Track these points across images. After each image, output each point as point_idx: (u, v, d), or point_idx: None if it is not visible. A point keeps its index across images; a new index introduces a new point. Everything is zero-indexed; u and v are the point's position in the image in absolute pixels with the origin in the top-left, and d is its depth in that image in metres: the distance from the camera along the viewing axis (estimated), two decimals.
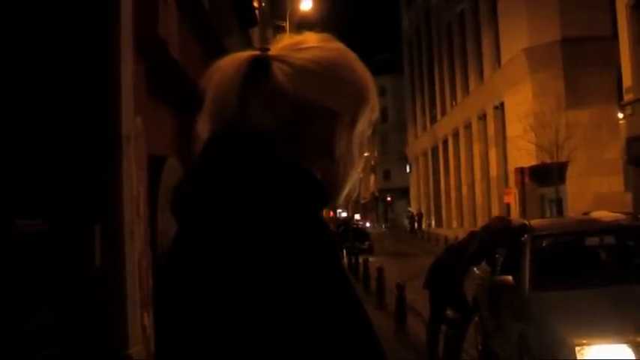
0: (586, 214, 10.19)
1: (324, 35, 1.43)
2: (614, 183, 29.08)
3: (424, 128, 61.73)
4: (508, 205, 33.08)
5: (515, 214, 29.78)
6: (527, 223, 9.13)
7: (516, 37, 33.73)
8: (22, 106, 3.68)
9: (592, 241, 9.14)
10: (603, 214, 9.50)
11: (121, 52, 4.06)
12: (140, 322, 4.17)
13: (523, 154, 28.83)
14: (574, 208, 26.82)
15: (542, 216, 28.35)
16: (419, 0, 60.15)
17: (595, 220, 9.22)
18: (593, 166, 29.46)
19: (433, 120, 57.32)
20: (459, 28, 47.25)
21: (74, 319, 3.79)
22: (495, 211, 37.44)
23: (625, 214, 9.80)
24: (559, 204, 27.83)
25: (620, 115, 27.30)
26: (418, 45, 62.62)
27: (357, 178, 1.44)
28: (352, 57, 1.42)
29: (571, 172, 28.46)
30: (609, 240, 9.11)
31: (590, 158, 29.34)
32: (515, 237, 8.70)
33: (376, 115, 1.46)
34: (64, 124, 3.83)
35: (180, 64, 5.55)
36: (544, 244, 8.78)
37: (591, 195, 28.49)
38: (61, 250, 3.81)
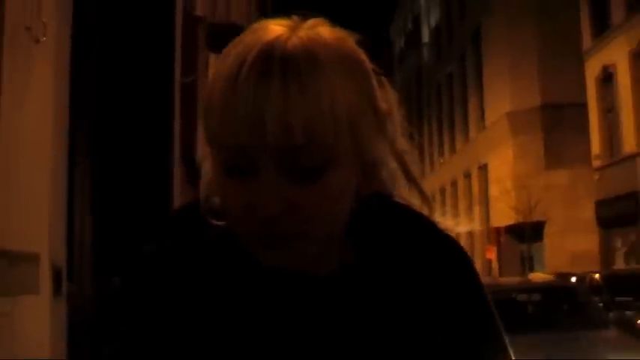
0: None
1: None
2: (590, 241, 29.72)
3: None
4: (490, 261, 34.36)
5: (495, 270, 31.15)
6: None
7: (500, 101, 35.12)
8: None
9: (523, 297, 10.82)
10: (538, 276, 11.29)
11: None
12: None
13: (502, 213, 30.11)
14: (551, 265, 28.08)
15: (522, 272, 29.70)
16: (411, 58, 61.50)
17: (528, 281, 11.00)
18: (570, 224, 30.47)
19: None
20: (448, 89, 48.73)
21: None
22: (479, 266, 38.65)
23: (557, 275, 11.58)
24: (531, 261, 29.17)
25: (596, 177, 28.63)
26: (408, 102, 64.05)
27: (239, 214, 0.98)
28: (227, 52, 0.96)
29: (549, 231, 29.71)
30: (537, 297, 10.79)
31: (567, 217, 30.45)
32: None
33: (228, 132, 0.93)
34: None
35: None
36: None
37: (568, 252, 29.55)
38: None
